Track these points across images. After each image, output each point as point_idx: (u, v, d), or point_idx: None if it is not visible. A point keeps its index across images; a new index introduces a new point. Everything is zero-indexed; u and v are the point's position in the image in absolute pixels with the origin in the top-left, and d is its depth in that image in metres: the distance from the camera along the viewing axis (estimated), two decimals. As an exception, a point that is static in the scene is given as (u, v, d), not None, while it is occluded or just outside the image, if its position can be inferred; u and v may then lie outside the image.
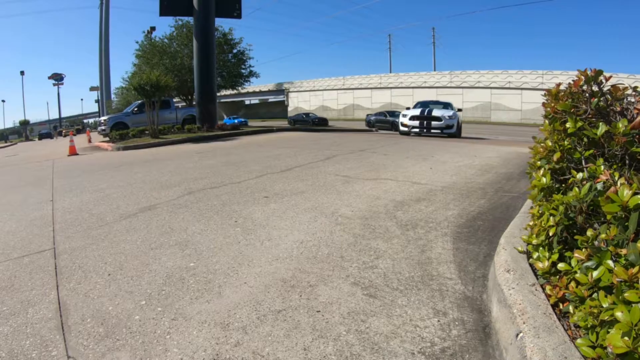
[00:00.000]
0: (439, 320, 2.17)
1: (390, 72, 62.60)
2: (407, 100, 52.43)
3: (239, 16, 20.34)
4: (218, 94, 25.02)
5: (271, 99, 69.93)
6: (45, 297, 2.70)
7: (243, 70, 31.18)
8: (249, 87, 50.20)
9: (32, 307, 2.57)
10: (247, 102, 72.96)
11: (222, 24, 29.19)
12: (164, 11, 19.64)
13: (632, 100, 2.37)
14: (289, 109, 60.97)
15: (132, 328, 2.24)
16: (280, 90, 64.95)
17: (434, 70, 57.35)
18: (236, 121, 20.81)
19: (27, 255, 3.54)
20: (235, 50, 30.88)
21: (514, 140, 14.84)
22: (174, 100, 26.44)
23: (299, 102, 60.34)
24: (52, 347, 2.12)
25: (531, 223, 2.56)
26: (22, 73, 68.87)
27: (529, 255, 2.42)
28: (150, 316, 2.36)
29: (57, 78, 52.36)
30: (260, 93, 68.34)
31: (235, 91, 34.24)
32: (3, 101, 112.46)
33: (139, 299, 2.58)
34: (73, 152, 14.54)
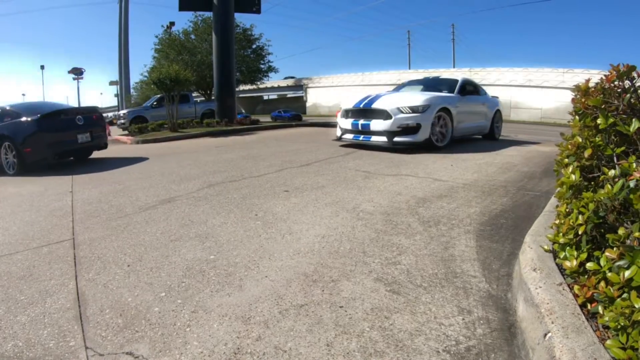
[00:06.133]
0: (463, 319, 2.14)
1: (409, 68, 62.21)
2: (426, 97, 51.89)
3: (258, 11, 20.40)
4: (237, 89, 25.11)
5: (289, 94, 69.42)
6: (63, 287, 2.72)
7: (262, 66, 31.38)
8: (268, 83, 50.35)
9: (50, 297, 2.59)
10: (265, 98, 72.38)
11: (243, 19, 29.34)
12: (183, 6, 19.72)
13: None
14: (307, 104, 60.38)
15: (151, 320, 2.25)
16: (299, 86, 64.48)
17: (454, 67, 56.63)
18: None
19: (46, 245, 3.58)
20: (254, 46, 31.07)
21: (534, 140, 14.64)
22: (193, 94, 26.58)
23: (317, 98, 59.91)
24: (70, 337, 2.13)
25: (557, 222, 2.51)
26: (42, 67, 70.12)
27: (555, 254, 2.37)
28: (170, 308, 2.36)
29: (77, 72, 52.64)
30: (279, 88, 67.86)
31: (253, 86, 34.48)
32: (23, 95, 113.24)
33: (159, 290, 2.59)
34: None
